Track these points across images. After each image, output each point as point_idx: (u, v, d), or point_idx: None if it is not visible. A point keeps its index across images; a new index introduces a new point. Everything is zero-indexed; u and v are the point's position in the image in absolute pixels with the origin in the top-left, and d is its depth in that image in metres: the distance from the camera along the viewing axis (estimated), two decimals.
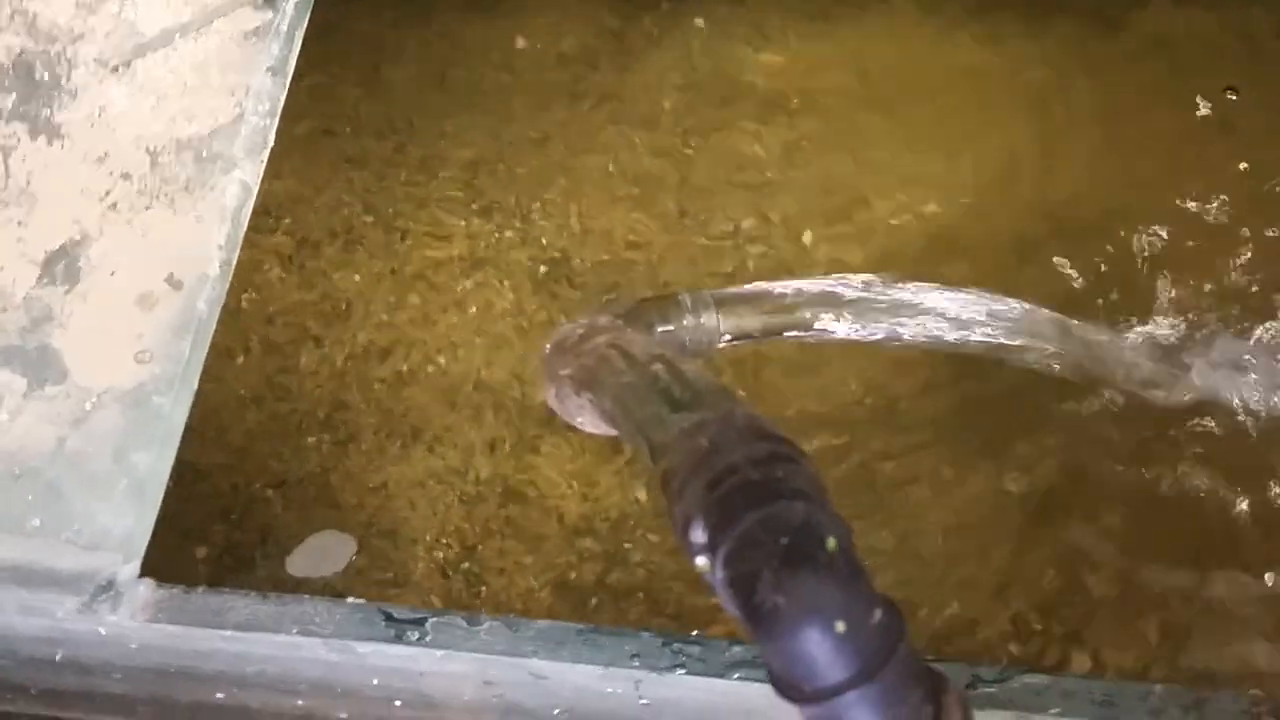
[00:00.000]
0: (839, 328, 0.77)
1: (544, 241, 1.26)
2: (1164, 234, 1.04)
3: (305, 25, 0.90)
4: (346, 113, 1.27)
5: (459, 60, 1.34)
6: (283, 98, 0.87)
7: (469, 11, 1.32)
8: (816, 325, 0.75)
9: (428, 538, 1.08)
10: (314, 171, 1.28)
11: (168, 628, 0.76)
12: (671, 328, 0.69)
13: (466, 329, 1.24)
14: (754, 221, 1.23)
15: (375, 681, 0.80)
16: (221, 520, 1.05)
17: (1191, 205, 1.06)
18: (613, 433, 0.62)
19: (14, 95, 0.88)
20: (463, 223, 1.28)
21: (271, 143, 0.86)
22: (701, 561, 0.44)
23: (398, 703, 0.83)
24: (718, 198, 1.23)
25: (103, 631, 0.77)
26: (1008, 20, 1.17)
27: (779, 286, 0.77)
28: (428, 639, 0.74)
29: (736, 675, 0.69)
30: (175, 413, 0.79)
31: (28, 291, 0.83)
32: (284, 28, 0.88)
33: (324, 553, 0.99)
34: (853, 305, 0.78)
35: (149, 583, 0.76)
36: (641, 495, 1.08)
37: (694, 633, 0.80)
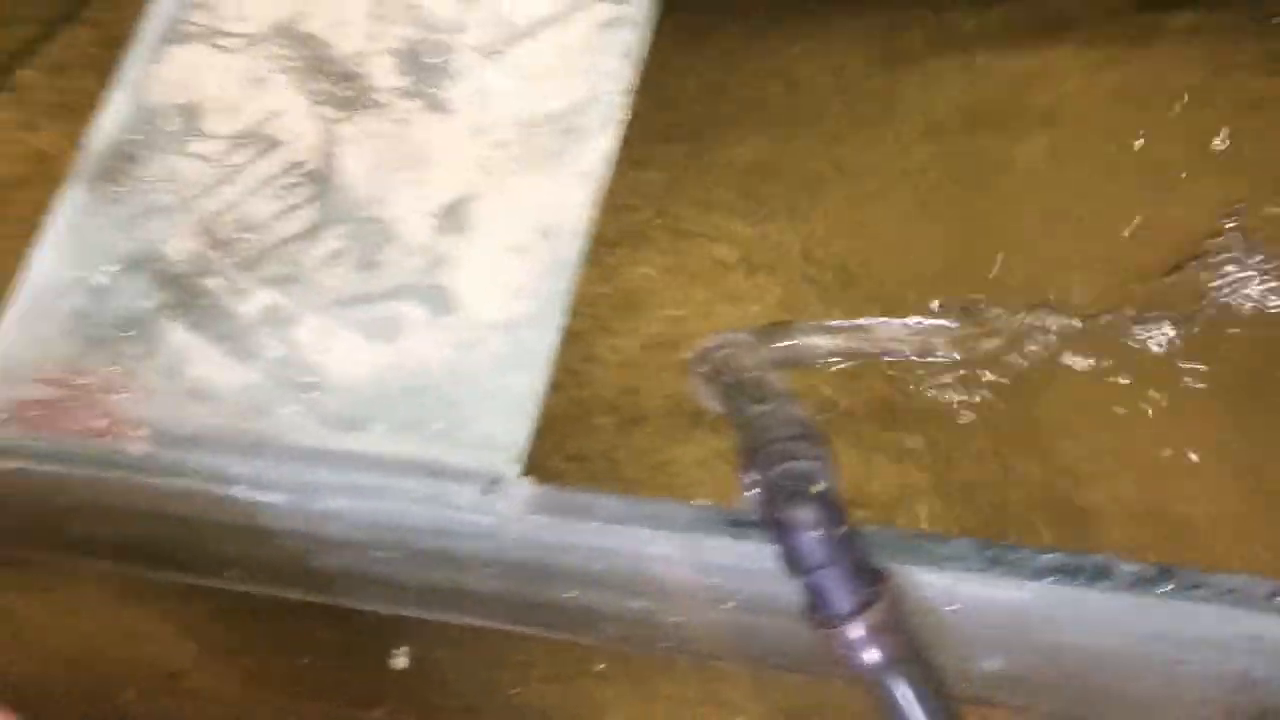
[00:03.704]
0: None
1: (821, 247, 1.33)
2: None
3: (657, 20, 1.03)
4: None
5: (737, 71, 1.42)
6: (633, 79, 1.00)
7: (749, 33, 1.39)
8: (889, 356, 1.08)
9: None
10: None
11: (543, 519, 0.90)
12: (787, 344, 1.02)
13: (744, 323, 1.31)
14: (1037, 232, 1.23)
15: (715, 584, 0.92)
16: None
17: None
18: (709, 402, 0.94)
19: (410, 77, 1.05)
20: (745, 227, 1.35)
21: (624, 117, 1.00)
22: (749, 492, 0.76)
23: (729, 604, 0.94)
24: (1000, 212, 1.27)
25: (488, 522, 0.92)
26: None
27: (877, 323, 1.07)
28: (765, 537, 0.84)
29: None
30: (546, 340, 0.93)
31: (425, 239, 0.99)
32: (638, 18, 1.02)
33: None
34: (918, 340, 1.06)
35: (530, 480, 0.90)
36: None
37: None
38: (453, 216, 0.99)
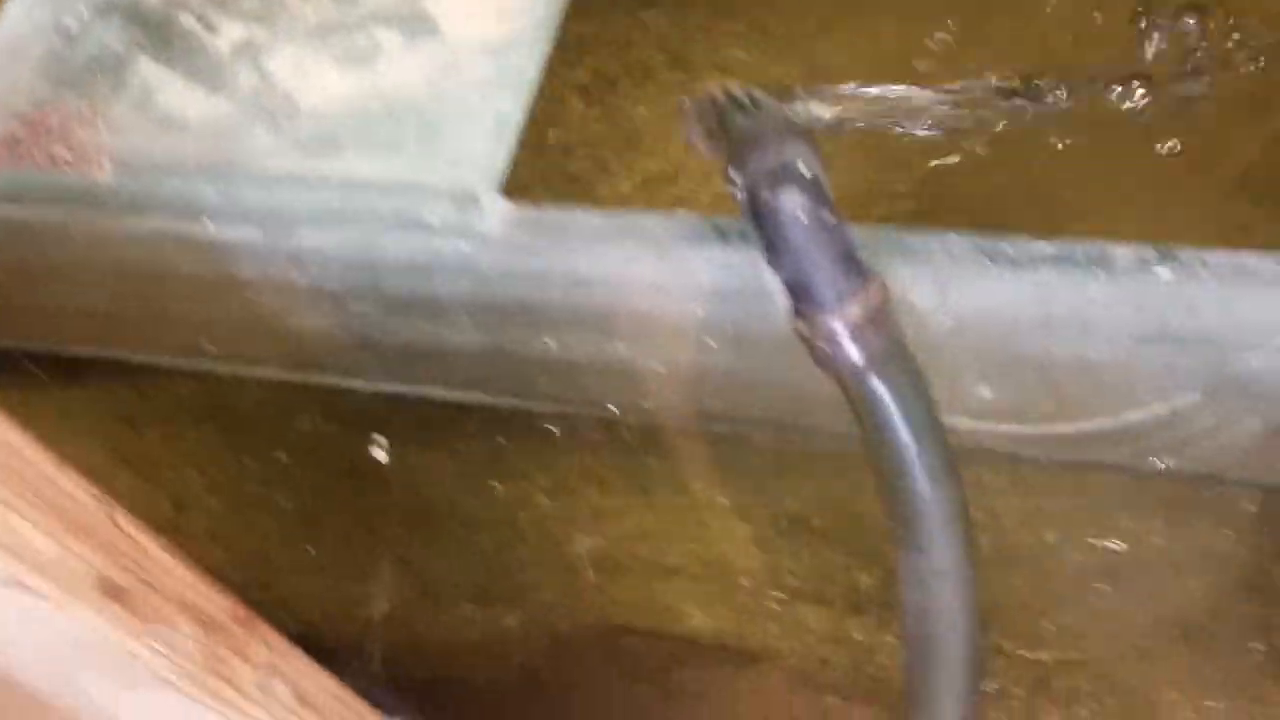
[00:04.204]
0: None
1: (830, 77, 1.29)
2: None
3: None
4: None
5: None
6: None
7: None
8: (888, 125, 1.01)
9: None
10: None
11: (521, 239, 0.87)
12: (785, 104, 0.95)
13: None
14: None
15: (700, 313, 0.89)
16: None
17: None
18: (709, 152, 0.85)
19: None
20: (751, 59, 1.32)
21: None
22: (734, 190, 0.73)
23: (713, 342, 0.91)
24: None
25: (465, 248, 0.89)
26: None
27: (878, 90, 1.01)
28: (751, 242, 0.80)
29: None
30: (531, 64, 0.90)
31: None
32: None
33: None
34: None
35: (506, 201, 0.86)
36: None
37: None
38: None
